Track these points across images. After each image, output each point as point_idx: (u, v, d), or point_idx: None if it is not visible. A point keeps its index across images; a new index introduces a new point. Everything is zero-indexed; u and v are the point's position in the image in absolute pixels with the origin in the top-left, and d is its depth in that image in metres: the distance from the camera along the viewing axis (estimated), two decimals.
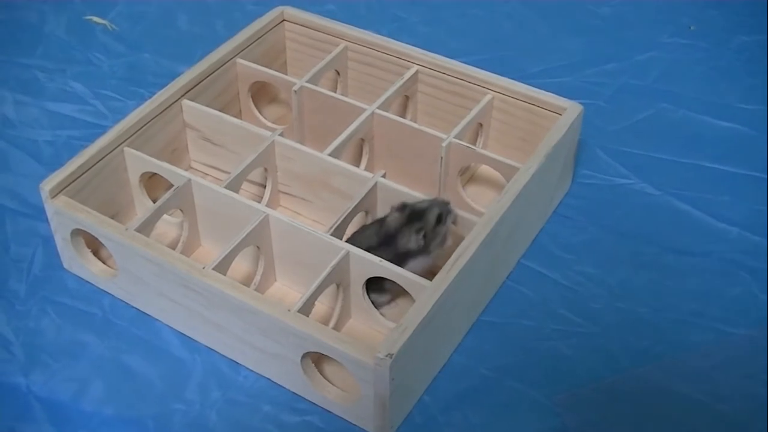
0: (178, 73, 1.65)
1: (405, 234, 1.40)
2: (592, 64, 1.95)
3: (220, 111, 1.60)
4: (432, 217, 1.40)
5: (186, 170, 1.55)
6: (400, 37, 1.74)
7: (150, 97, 1.58)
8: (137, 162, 1.52)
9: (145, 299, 1.45)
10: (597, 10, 2.10)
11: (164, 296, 1.40)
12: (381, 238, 1.41)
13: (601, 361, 1.40)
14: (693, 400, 1.35)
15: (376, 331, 1.41)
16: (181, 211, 1.49)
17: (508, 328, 1.45)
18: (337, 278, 1.36)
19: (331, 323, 1.39)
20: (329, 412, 1.34)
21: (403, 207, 1.42)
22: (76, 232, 1.46)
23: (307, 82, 1.64)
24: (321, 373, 1.34)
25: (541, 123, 1.58)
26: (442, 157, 1.53)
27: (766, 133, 1.78)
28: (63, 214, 1.43)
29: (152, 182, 1.57)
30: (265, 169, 1.55)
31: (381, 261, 1.34)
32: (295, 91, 1.63)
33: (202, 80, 1.63)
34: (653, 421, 1.33)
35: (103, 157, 1.49)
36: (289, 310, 1.27)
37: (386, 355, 1.19)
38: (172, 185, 1.47)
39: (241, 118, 1.70)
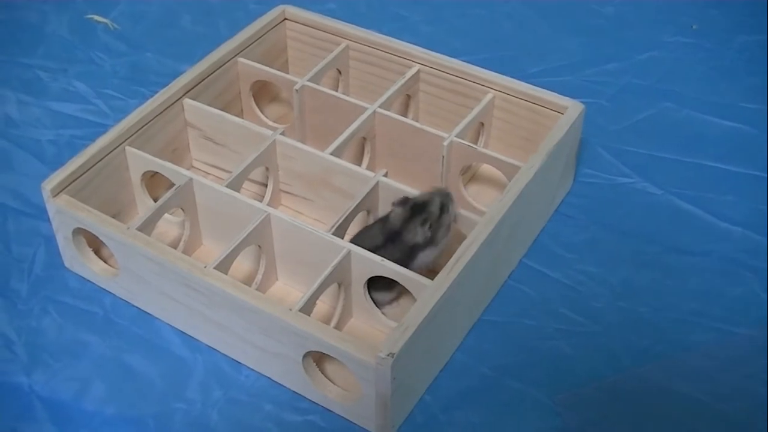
0: (179, 72, 1.65)
1: (411, 228, 1.40)
2: (594, 63, 1.95)
3: (221, 110, 1.60)
4: (435, 207, 1.40)
5: (187, 169, 1.55)
6: (401, 36, 1.74)
7: (151, 96, 1.58)
8: (139, 161, 1.52)
9: (147, 298, 1.45)
10: (599, 10, 2.10)
11: (165, 295, 1.40)
12: (386, 236, 1.41)
13: (603, 361, 1.40)
14: (694, 399, 1.35)
15: (377, 331, 1.41)
16: (183, 210, 1.49)
17: (510, 328, 1.45)
18: (339, 277, 1.36)
19: (333, 322, 1.39)
20: (330, 411, 1.34)
21: (404, 201, 1.42)
22: (78, 231, 1.46)
23: (308, 81, 1.64)
24: (322, 373, 1.34)
25: (543, 122, 1.58)
26: (443, 156, 1.53)
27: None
28: (64, 213, 1.43)
29: (154, 181, 1.57)
30: (267, 168, 1.55)
31: (382, 260, 1.34)
32: (297, 90, 1.63)
33: (204, 79, 1.63)
34: (654, 421, 1.33)
35: (104, 156, 1.49)
36: (290, 310, 1.27)
37: (388, 355, 1.19)
38: (173, 184, 1.47)
39: (242, 117, 1.70)
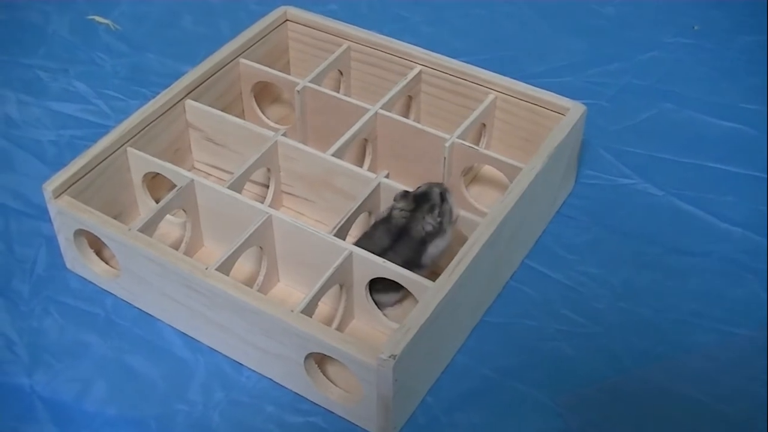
0: (181, 73, 1.65)
1: (418, 219, 1.40)
2: (595, 64, 1.95)
3: (223, 111, 1.60)
4: (436, 195, 1.41)
5: (189, 170, 1.55)
6: (402, 36, 1.74)
7: (153, 97, 1.58)
8: (140, 162, 1.52)
9: (148, 299, 1.45)
10: (600, 10, 2.10)
11: (167, 296, 1.40)
12: (393, 235, 1.41)
13: (604, 362, 1.40)
14: (695, 400, 1.35)
15: (379, 332, 1.41)
16: (184, 211, 1.49)
17: (511, 329, 1.45)
18: (341, 279, 1.36)
19: (334, 324, 1.39)
20: (332, 412, 1.34)
21: (405, 195, 1.42)
22: (79, 233, 1.46)
23: (310, 82, 1.64)
24: (324, 374, 1.34)
25: (544, 123, 1.58)
26: (445, 158, 1.53)
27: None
28: (66, 214, 1.43)
29: (155, 182, 1.57)
30: (268, 170, 1.55)
31: (384, 261, 1.34)
32: (298, 91, 1.63)
33: (205, 80, 1.63)
34: (655, 422, 1.33)
35: (106, 158, 1.49)
36: (292, 311, 1.27)
37: (389, 356, 1.20)
38: (175, 185, 1.47)
39: (244, 118, 1.70)
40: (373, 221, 1.47)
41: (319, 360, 1.33)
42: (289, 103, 1.74)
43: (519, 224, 1.45)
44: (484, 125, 1.63)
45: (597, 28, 2.06)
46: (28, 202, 1.64)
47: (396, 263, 1.34)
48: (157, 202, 1.53)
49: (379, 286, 1.39)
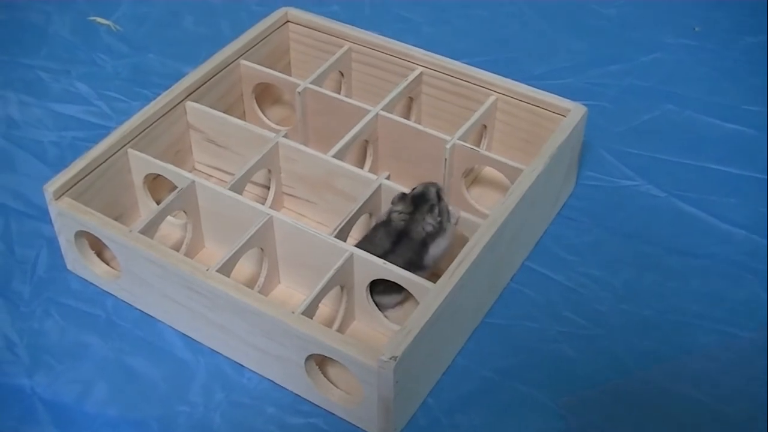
0: (182, 74, 1.65)
1: (418, 220, 1.40)
2: (597, 65, 1.95)
3: (224, 112, 1.60)
4: (433, 195, 1.41)
5: (190, 172, 1.55)
6: (404, 37, 1.74)
7: (154, 99, 1.58)
8: (141, 163, 1.52)
9: (149, 301, 1.45)
10: (601, 11, 2.10)
11: (168, 298, 1.40)
12: (394, 238, 1.41)
13: (605, 363, 1.40)
14: (697, 402, 1.35)
15: (380, 334, 1.41)
16: (185, 212, 1.49)
17: (512, 330, 1.45)
18: (341, 280, 1.36)
19: (335, 325, 1.39)
20: (333, 414, 1.33)
21: (402, 197, 1.42)
22: (80, 234, 1.46)
23: (311, 83, 1.64)
24: (325, 376, 1.34)
25: (546, 124, 1.58)
26: (446, 159, 1.53)
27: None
28: (67, 215, 1.43)
29: (156, 184, 1.57)
30: (269, 171, 1.55)
31: (385, 263, 1.34)
32: (299, 93, 1.63)
33: (206, 81, 1.63)
34: (657, 423, 1.33)
35: (107, 159, 1.49)
36: (292, 312, 1.27)
37: (390, 358, 1.19)
38: (176, 187, 1.47)
39: (244, 120, 1.69)
40: (373, 224, 1.47)
41: (320, 361, 1.33)
42: (290, 104, 1.74)
43: (520, 226, 1.45)
44: (485, 127, 1.63)
45: (598, 29, 2.06)
46: (29, 203, 1.64)
47: (398, 265, 1.34)
48: (158, 203, 1.53)
49: (379, 287, 1.39)
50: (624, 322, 1.46)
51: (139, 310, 1.47)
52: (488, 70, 1.63)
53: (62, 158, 1.71)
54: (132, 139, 1.52)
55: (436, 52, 1.67)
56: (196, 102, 1.60)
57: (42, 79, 1.91)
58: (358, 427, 1.32)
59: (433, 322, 1.26)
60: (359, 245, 1.39)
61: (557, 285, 1.51)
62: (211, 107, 1.61)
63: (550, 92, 1.59)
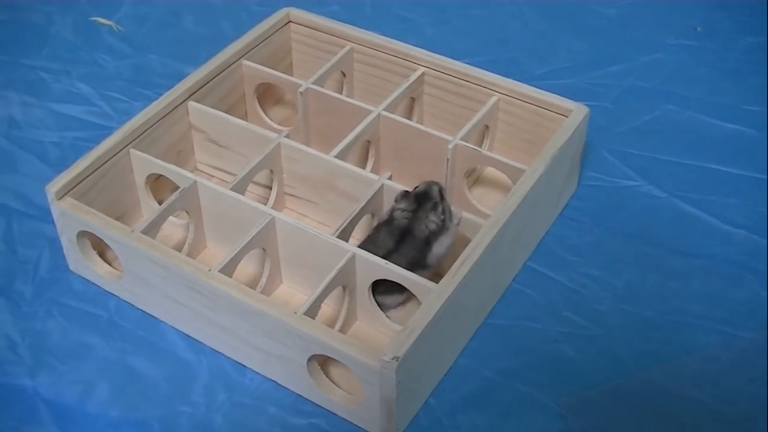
0: (184, 74, 1.65)
1: (421, 218, 1.40)
2: (598, 65, 1.95)
3: (225, 112, 1.61)
4: (436, 193, 1.41)
5: (192, 172, 1.55)
6: (405, 37, 1.74)
7: (156, 99, 1.58)
8: (143, 164, 1.52)
9: (151, 301, 1.45)
10: (602, 12, 2.10)
11: (170, 298, 1.40)
12: (397, 237, 1.41)
13: (607, 364, 1.40)
14: (698, 402, 1.35)
15: (382, 334, 1.41)
16: (187, 213, 1.49)
17: (514, 331, 1.45)
18: (343, 280, 1.36)
19: (337, 326, 1.39)
20: (335, 414, 1.34)
21: (405, 194, 1.42)
22: (82, 234, 1.46)
23: (312, 83, 1.64)
24: (327, 376, 1.34)
25: (547, 125, 1.58)
26: (448, 159, 1.53)
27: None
28: (69, 215, 1.43)
29: (158, 184, 1.57)
30: (271, 171, 1.55)
31: (387, 263, 1.34)
32: (301, 93, 1.63)
33: (208, 82, 1.63)
34: (658, 424, 1.33)
35: (109, 159, 1.49)
36: (295, 313, 1.27)
37: (392, 358, 1.20)
38: (178, 187, 1.47)
39: (246, 120, 1.70)
40: (375, 224, 1.47)
41: (322, 362, 1.33)
42: (292, 104, 1.74)
43: (522, 226, 1.45)
44: (487, 127, 1.63)
45: (599, 29, 2.06)
46: (30, 203, 1.64)
47: (401, 265, 1.34)
48: (160, 203, 1.53)
49: (382, 288, 1.39)
50: (625, 322, 1.46)
51: (141, 310, 1.47)
52: (489, 71, 1.63)
53: (64, 158, 1.71)
54: (134, 140, 1.52)
55: (436, 52, 1.67)
56: (198, 102, 1.61)
57: (43, 80, 1.91)
58: (360, 428, 1.32)
59: (435, 323, 1.26)
60: (362, 246, 1.40)
61: (559, 285, 1.51)
62: (213, 107, 1.61)
63: (552, 93, 1.59)
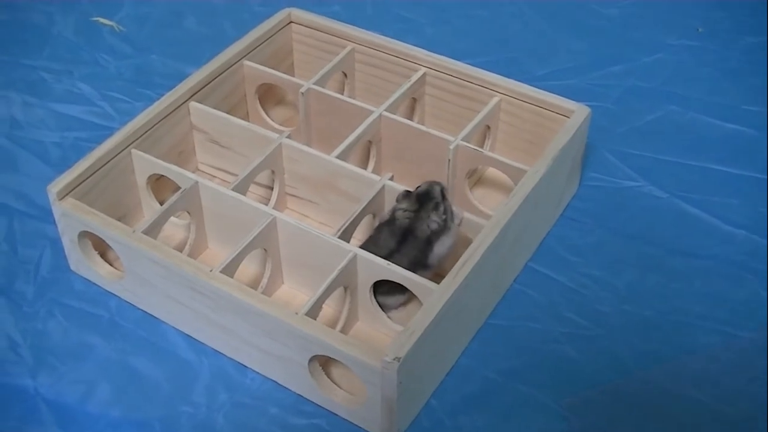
0: (185, 75, 1.65)
1: (423, 218, 1.40)
2: (599, 66, 1.95)
3: (227, 113, 1.61)
4: (438, 193, 1.41)
5: (193, 172, 1.55)
6: (406, 38, 1.74)
7: (157, 99, 1.58)
8: (144, 164, 1.52)
9: (152, 301, 1.45)
10: (604, 12, 2.10)
11: (171, 298, 1.40)
12: (399, 237, 1.41)
13: (608, 364, 1.40)
14: (699, 402, 1.35)
15: (383, 334, 1.41)
16: (189, 213, 1.49)
17: (515, 331, 1.45)
18: (345, 281, 1.36)
19: (339, 326, 1.39)
20: (336, 415, 1.34)
21: (407, 194, 1.42)
22: (84, 234, 1.46)
23: (314, 84, 1.64)
24: (328, 376, 1.34)
25: (549, 125, 1.58)
26: (449, 160, 1.53)
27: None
28: (70, 216, 1.43)
29: (159, 184, 1.57)
30: (272, 172, 1.55)
31: (388, 264, 1.34)
32: (302, 93, 1.63)
33: (210, 82, 1.63)
34: (659, 424, 1.33)
35: (110, 159, 1.49)
36: (296, 313, 1.27)
37: (394, 359, 1.20)
38: (179, 187, 1.47)
39: (248, 120, 1.70)
40: (376, 224, 1.47)
41: (323, 362, 1.33)
42: (294, 105, 1.74)
43: (523, 227, 1.45)
44: (488, 127, 1.63)
45: (600, 29, 2.06)
46: (32, 203, 1.64)
47: (403, 265, 1.34)
48: (161, 204, 1.53)
49: (383, 288, 1.40)
50: (626, 322, 1.46)
51: (143, 310, 1.47)
52: (490, 71, 1.63)
53: (65, 159, 1.71)
54: (135, 140, 1.52)
55: (437, 53, 1.67)
56: (200, 103, 1.61)
57: (45, 80, 1.91)
58: (361, 428, 1.32)
59: (436, 323, 1.26)
60: (364, 246, 1.40)
61: (560, 286, 1.51)
62: (214, 108, 1.61)
63: (553, 93, 1.59)
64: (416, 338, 1.22)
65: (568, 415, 1.34)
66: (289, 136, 1.54)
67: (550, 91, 1.59)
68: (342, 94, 1.72)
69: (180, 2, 2.13)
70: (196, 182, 1.46)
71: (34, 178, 1.68)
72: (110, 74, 1.93)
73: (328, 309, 1.42)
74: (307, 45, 1.79)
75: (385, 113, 1.58)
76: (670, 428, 1.33)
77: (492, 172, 1.65)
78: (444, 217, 1.41)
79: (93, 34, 2.04)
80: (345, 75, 1.75)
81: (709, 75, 1.93)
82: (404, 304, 1.44)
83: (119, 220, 1.46)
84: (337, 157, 1.50)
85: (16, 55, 1.98)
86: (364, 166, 1.61)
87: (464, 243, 1.39)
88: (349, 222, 1.42)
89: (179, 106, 1.58)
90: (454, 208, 1.44)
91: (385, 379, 1.21)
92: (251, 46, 1.70)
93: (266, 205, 1.49)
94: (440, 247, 1.41)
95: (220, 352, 1.41)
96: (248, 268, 1.48)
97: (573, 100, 1.57)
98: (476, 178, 1.66)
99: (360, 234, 1.47)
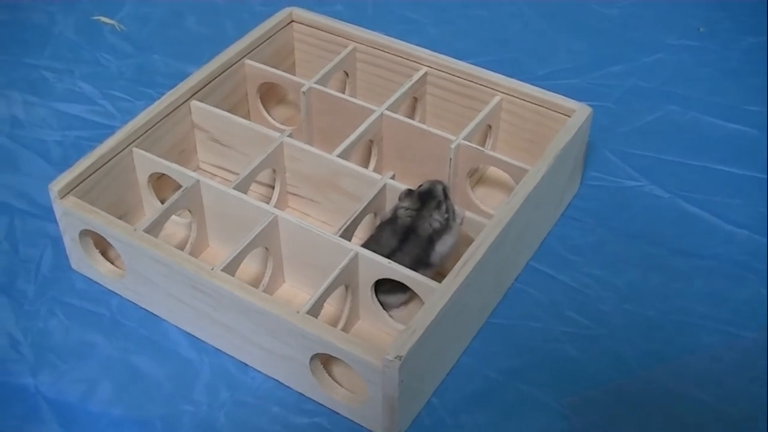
0: (186, 74, 1.65)
1: (425, 217, 1.40)
2: (600, 65, 1.95)
3: (228, 112, 1.60)
4: (440, 192, 1.41)
5: (194, 171, 1.55)
6: (408, 37, 1.74)
7: (159, 98, 1.58)
8: (146, 163, 1.52)
9: (154, 300, 1.45)
10: (605, 12, 2.10)
11: (172, 297, 1.40)
12: (401, 236, 1.41)
13: (609, 363, 1.40)
14: (701, 402, 1.35)
15: (384, 333, 1.41)
16: (190, 212, 1.49)
17: (517, 330, 1.45)
18: (346, 280, 1.36)
19: (340, 325, 1.39)
20: (337, 413, 1.34)
21: (409, 193, 1.42)
22: (85, 233, 1.46)
23: (315, 83, 1.64)
24: (329, 375, 1.34)
25: (550, 125, 1.58)
26: (450, 159, 1.53)
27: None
28: (72, 214, 1.43)
29: (161, 183, 1.57)
30: (274, 171, 1.55)
31: (390, 262, 1.34)
32: (304, 93, 1.63)
33: (211, 81, 1.63)
34: (661, 424, 1.33)
35: (111, 158, 1.49)
36: (297, 312, 1.27)
37: (395, 357, 1.19)
38: (180, 186, 1.47)
39: (249, 119, 1.70)
40: (378, 222, 1.47)
41: (325, 361, 1.33)
42: (295, 104, 1.74)
43: (525, 226, 1.45)
44: (489, 127, 1.63)
45: (600, 29, 2.06)
46: (33, 202, 1.64)
47: (405, 264, 1.34)
48: (162, 202, 1.53)
49: (384, 287, 1.39)
50: (627, 322, 1.46)
51: (144, 309, 1.47)
52: (492, 71, 1.63)
53: (66, 158, 1.71)
54: (137, 138, 1.52)
55: (439, 52, 1.67)
56: (201, 101, 1.61)
57: (46, 79, 1.91)
58: (362, 427, 1.32)
59: (437, 322, 1.26)
60: (365, 245, 1.40)
61: (561, 285, 1.51)
62: (215, 107, 1.61)
63: (554, 93, 1.59)
64: (418, 337, 1.22)
65: (569, 415, 1.34)
66: (290, 135, 1.54)
67: (551, 91, 1.59)
68: (343, 93, 1.72)
69: (181, 2, 2.13)
70: (198, 181, 1.46)
71: (36, 176, 1.68)
72: (111, 73, 1.93)
73: (329, 308, 1.42)
74: (308, 44, 1.79)
75: (387, 112, 1.58)
76: (672, 428, 1.33)
77: (493, 171, 1.65)
78: (446, 215, 1.41)
79: (94, 34, 2.04)
80: (346, 74, 1.75)
81: (709, 75, 1.93)
82: (406, 302, 1.44)
83: (120, 218, 1.46)
84: (339, 156, 1.50)
85: (17, 54, 1.98)
86: (366, 165, 1.61)
87: (466, 242, 1.39)
88: (350, 221, 1.42)
89: (180, 105, 1.58)
90: (455, 207, 1.44)
91: (387, 378, 1.21)
92: (253, 45, 1.70)
93: (267, 204, 1.49)
94: (442, 246, 1.41)
95: (222, 351, 1.41)
96: (249, 266, 1.48)
97: (574, 99, 1.57)
98: (477, 178, 1.66)
99: (361, 233, 1.47)
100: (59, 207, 1.44)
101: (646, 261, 1.55)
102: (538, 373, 1.39)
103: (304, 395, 1.35)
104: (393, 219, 1.42)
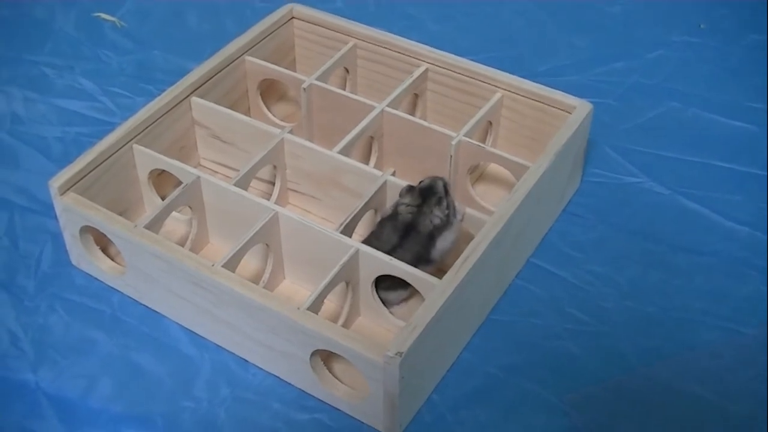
0: (187, 70, 1.65)
1: (426, 212, 1.40)
2: (602, 62, 1.95)
3: (229, 108, 1.60)
4: (440, 188, 1.41)
5: (195, 167, 1.55)
6: (409, 34, 1.74)
7: (159, 94, 1.58)
8: (146, 159, 1.52)
9: (154, 296, 1.45)
10: (606, 9, 2.10)
11: (173, 293, 1.40)
12: (402, 232, 1.41)
13: (610, 360, 1.40)
14: (701, 399, 1.35)
15: (385, 330, 1.41)
16: (190, 208, 1.49)
17: (517, 327, 1.45)
18: (347, 276, 1.36)
19: (340, 321, 1.38)
20: (338, 410, 1.33)
21: (410, 189, 1.42)
22: (85, 229, 1.46)
23: (316, 79, 1.64)
24: (330, 371, 1.34)
25: (551, 121, 1.58)
26: (451, 156, 1.53)
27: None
28: (72, 210, 1.43)
29: (161, 179, 1.57)
30: (274, 167, 1.55)
31: (390, 259, 1.34)
32: (305, 89, 1.63)
33: (211, 77, 1.63)
34: (661, 420, 1.33)
35: (112, 154, 1.49)
36: (298, 308, 1.27)
37: (396, 354, 1.19)
38: (181, 182, 1.47)
39: (250, 116, 1.69)
40: (378, 219, 1.47)
41: (325, 357, 1.33)
42: (296, 100, 1.74)
43: (525, 222, 1.45)
44: (490, 123, 1.63)
45: (603, 26, 2.06)
46: (33, 198, 1.64)
47: (405, 260, 1.34)
48: (163, 199, 1.53)
49: (385, 283, 1.39)
50: (628, 318, 1.46)
51: (144, 305, 1.47)
52: (493, 67, 1.63)
53: (66, 154, 1.71)
54: (137, 135, 1.52)
55: (440, 49, 1.67)
56: (202, 98, 1.60)
57: (46, 75, 1.91)
58: (363, 423, 1.32)
59: (438, 319, 1.26)
60: (366, 242, 1.39)
61: (562, 282, 1.51)
62: (216, 103, 1.61)
63: (556, 89, 1.59)
64: (418, 333, 1.22)
65: (569, 411, 1.34)
66: (291, 132, 1.54)
67: (552, 88, 1.59)
68: (344, 89, 1.71)
69: None
70: (198, 177, 1.46)
71: (36, 172, 1.68)
72: (112, 70, 1.93)
73: (329, 304, 1.42)
74: (308, 41, 1.79)
75: (387, 109, 1.58)
76: (672, 424, 1.33)
77: (494, 167, 1.65)
78: (447, 212, 1.41)
79: (94, 30, 2.04)
80: (347, 71, 1.75)
81: (711, 72, 1.93)
82: (406, 299, 1.44)
83: (121, 215, 1.46)
84: (339, 152, 1.50)
85: (17, 50, 1.97)
86: (366, 161, 1.61)
87: (466, 239, 1.38)
88: (350, 217, 1.42)
89: (181, 102, 1.58)
90: (456, 204, 1.44)
91: (387, 374, 1.21)
92: (253, 41, 1.70)
93: (268, 200, 1.49)
94: (443, 242, 1.41)
95: (222, 347, 1.41)
96: (250, 263, 1.47)
97: (575, 96, 1.57)
98: (478, 174, 1.66)
99: (362, 229, 1.47)
100: (59, 203, 1.44)
101: (646, 257, 1.55)
102: (539, 370, 1.39)
103: (304, 392, 1.35)
104: (394, 215, 1.42)
